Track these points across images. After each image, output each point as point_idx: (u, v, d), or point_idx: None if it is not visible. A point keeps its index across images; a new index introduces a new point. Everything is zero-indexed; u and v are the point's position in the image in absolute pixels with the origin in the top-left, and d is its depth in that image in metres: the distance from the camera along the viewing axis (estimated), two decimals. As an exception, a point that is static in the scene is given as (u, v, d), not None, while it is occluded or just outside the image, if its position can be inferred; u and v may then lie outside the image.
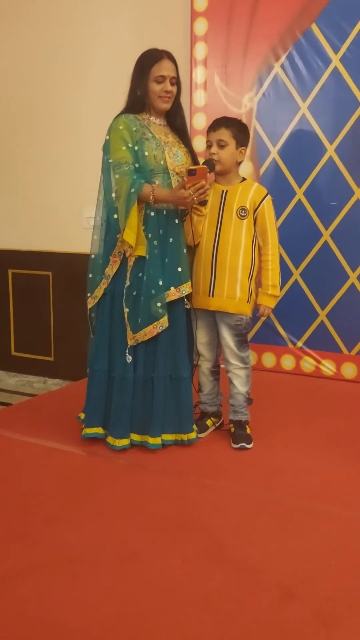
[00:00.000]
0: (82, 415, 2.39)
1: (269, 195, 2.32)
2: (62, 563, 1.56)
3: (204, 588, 1.46)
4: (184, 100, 2.39)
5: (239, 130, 2.28)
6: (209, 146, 2.28)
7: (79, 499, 1.91)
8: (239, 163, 2.34)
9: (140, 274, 2.21)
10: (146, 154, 2.19)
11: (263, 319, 2.53)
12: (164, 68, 2.19)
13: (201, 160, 2.35)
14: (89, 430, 2.30)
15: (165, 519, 1.78)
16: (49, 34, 3.84)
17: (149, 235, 2.20)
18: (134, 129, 2.20)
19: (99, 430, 2.31)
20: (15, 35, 3.97)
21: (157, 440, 2.25)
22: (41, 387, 4.05)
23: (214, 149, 2.26)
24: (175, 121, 2.33)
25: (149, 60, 2.21)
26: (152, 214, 2.21)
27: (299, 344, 3.37)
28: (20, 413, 2.78)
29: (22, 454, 2.28)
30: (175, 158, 2.25)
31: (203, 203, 2.25)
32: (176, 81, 2.24)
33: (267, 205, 2.31)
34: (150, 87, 2.20)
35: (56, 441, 2.36)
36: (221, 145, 2.25)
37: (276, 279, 2.35)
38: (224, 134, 2.25)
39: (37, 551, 1.61)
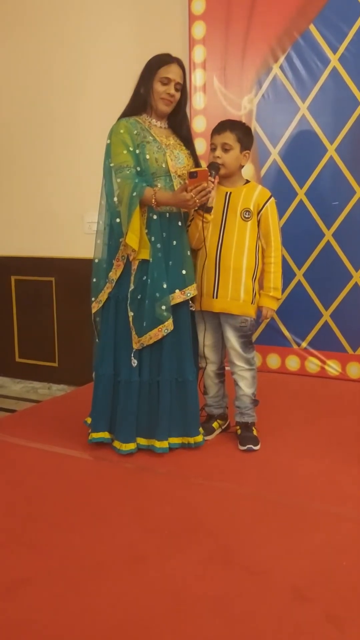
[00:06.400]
0: (89, 420, 2.38)
1: (272, 198, 2.32)
2: (69, 569, 1.55)
3: (213, 591, 1.45)
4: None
5: (243, 133, 2.27)
6: (213, 149, 2.28)
7: (85, 504, 1.90)
8: (242, 166, 2.34)
9: (144, 278, 2.20)
10: (147, 157, 2.19)
11: (267, 321, 2.52)
12: (171, 71, 2.20)
13: (204, 163, 2.35)
14: (96, 435, 2.30)
15: (172, 523, 1.77)
16: (47, 39, 3.86)
17: (152, 239, 2.20)
18: (135, 132, 2.20)
19: (105, 434, 2.30)
20: (14, 40, 3.98)
21: (164, 444, 2.24)
22: (46, 393, 4.05)
23: (218, 152, 2.25)
24: (182, 131, 2.33)
25: (158, 61, 2.22)
26: (155, 217, 2.20)
27: (304, 344, 3.36)
28: (25, 419, 2.77)
29: (28, 459, 2.27)
30: (176, 160, 2.25)
31: (208, 210, 2.23)
32: (181, 88, 2.25)
33: (271, 208, 2.31)
34: (155, 87, 2.21)
35: (62, 446, 2.36)
36: (225, 149, 2.25)
37: (278, 282, 2.34)
38: (229, 138, 2.24)
39: (44, 557, 1.61)
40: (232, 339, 2.33)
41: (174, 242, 2.24)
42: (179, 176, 2.24)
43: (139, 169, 2.19)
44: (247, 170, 3.30)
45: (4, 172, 4.17)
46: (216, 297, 2.31)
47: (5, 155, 4.14)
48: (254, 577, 1.51)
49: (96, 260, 2.36)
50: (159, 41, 3.37)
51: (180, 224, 2.26)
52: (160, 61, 2.21)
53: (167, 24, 3.50)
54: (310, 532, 1.72)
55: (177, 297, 2.23)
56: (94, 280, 2.35)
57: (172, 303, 2.21)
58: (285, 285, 2.89)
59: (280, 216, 2.50)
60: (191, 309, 2.32)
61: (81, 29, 3.75)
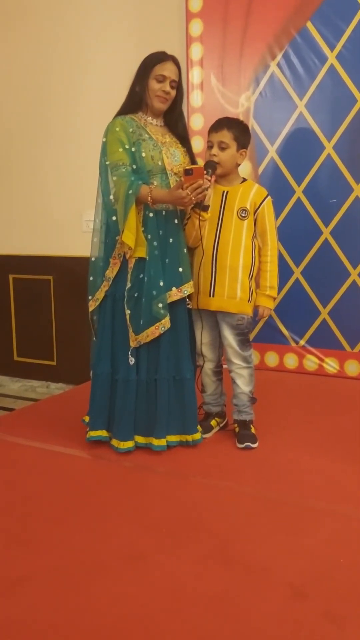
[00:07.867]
0: (87, 418, 2.38)
1: (269, 197, 2.32)
2: (68, 567, 1.55)
3: (212, 589, 1.45)
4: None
5: (240, 132, 2.27)
6: (209, 147, 2.27)
7: (84, 502, 1.90)
8: (239, 164, 2.33)
9: (141, 275, 2.20)
10: (143, 154, 2.18)
11: (264, 319, 2.52)
12: (167, 69, 2.20)
13: (201, 161, 2.34)
14: (94, 433, 2.30)
15: (171, 521, 1.77)
16: (45, 38, 3.85)
17: (149, 236, 2.20)
18: (131, 130, 2.19)
19: (103, 433, 2.30)
20: (11, 39, 3.97)
21: (161, 442, 2.24)
22: (44, 391, 4.05)
23: (215, 150, 2.25)
24: (177, 129, 2.33)
25: (153, 59, 2.22)
26: (151, 214, 2.20)
27: (302, 342, 3.36)
28: (23, 418, 2.77)
29: (26, 458, 2.27)
30: (172, 158, 2.25)
31: (205, 208, 2.23)
32: (177, 86, 2.24)
33: (268, 207, 2.31)
34: (150, 84, 2.21)
35: (60, 445, 2.36)
36: (222, 147, 2.24)
37: (274, 280, 2.35)
38: (226, 136, 2.23)
39: (43, 555, 1.61)
40: (229, 337, 2.33)
41: (171, 240, 2.24)
42: (175, 174, 2.23)
43: (134, 166, 2.19)
44: (245, 168, 3.30)
45: (3, 171, 4.16)
46: (213, 296, 2.31)
47: (4, 155, 4.13)
48: (253, 575, 1.51)
49: (93, 259, 2.36)
50: (156, 39, 3.37)
51: (176, 221, 2.25)
52: (156, 59, 2.21)
53: (164, 21, 3.49)
54: (309, 530, 1.72)
55: (174, 294, 2.23)
56: (91, 278, 2.35)
57: (168, 301, 2.21)
58: (283, 283, 2.88)
59: (278, 214, 2.50)
60: (188, 306, 2.32)
61: (79, 28, 3.74)
